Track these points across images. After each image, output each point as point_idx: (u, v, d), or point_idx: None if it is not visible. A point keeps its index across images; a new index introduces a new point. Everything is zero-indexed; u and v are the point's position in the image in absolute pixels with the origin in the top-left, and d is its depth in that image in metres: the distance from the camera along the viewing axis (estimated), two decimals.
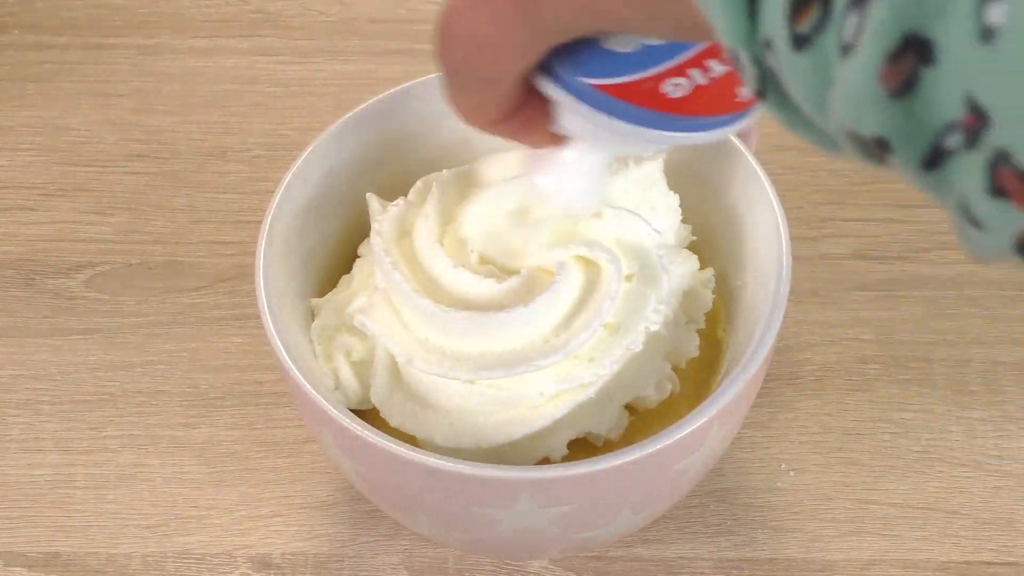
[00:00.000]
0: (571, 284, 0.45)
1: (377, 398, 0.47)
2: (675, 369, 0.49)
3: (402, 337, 0.45)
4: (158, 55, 0.70)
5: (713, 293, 0.50)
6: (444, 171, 0.49)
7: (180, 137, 0.67)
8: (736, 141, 0.50)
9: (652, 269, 0.47)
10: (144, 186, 0.65)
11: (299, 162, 0.49)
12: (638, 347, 0.46)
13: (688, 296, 0.49)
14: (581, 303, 0.45)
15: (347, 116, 0.51)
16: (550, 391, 0.45)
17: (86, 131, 0.67)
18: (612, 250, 0.46)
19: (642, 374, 0.47)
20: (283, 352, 0.45)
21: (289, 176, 0.49)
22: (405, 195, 0.50)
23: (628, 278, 0.46)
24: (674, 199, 0.50)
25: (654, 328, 0.46)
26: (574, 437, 0.46)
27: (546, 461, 0.46)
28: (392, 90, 0.52)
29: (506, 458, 0.46)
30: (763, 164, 0.49)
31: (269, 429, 0.57)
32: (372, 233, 0.47)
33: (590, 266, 0.46)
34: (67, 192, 0.65)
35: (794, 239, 0.49)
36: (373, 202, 0.49)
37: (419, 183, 0.48)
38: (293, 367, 0.45)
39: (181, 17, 0.71)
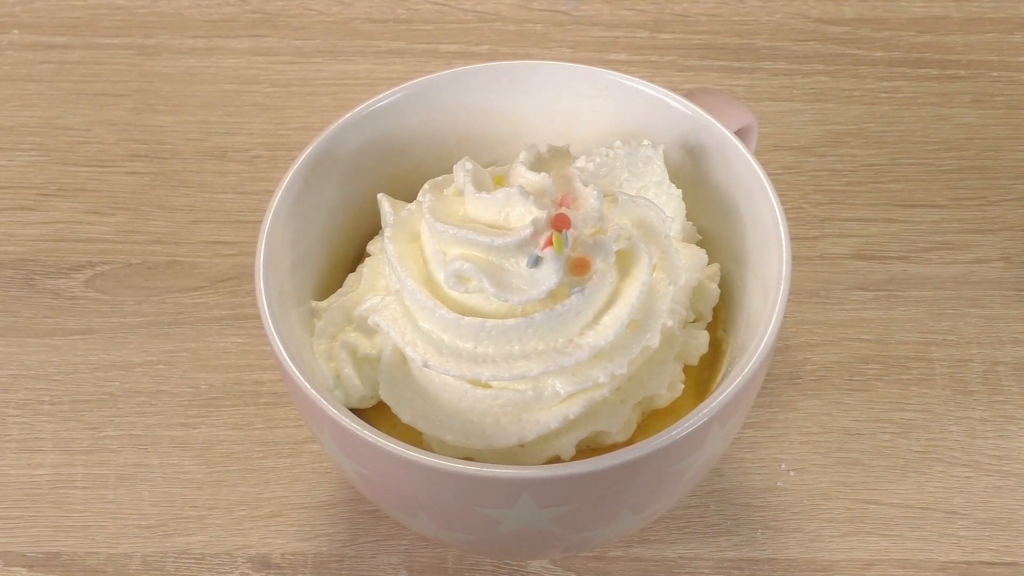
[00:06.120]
0: (608, 281, 0.45)
1: (386, 395, 0.47)
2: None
3: (417, 339, 0.45)
4: (158, 55, 0.70)
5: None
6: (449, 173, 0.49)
7: (180, 137, 0.67)
8: (736, 141, 0.50)
9: (671, 257, 0.47)
10: (144, 186, 0.65)
11: (299, 162, 0.49)
12: (655, 344, 0.46)
13: (696, 291, 0.49)
14: (612, 299, 0.45)
15: (347, 116, 0.51)
16: (565, 391, 0.45)
17: (86, 131, 0.67)
18: (641, 238, 0.46)
19: (656, 373, 0.47)
20: (283, 352, 0.45)
21: (289, 176, 0.49)
22: (405, 196, 0.50)
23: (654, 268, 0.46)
24: (676, 191, 0.50)
25: (671, 323, 0.46)
26: (584, 437, 0.46)
27: (555, 460, 0.46)
28: (392, 90, 0.52)
29: (516, 459, 0.46)
30: (763, 164, 0.49)
31: (269, 429, 0.57)
32: (384, 237, 0.47)
33: (622, 257, 0.46)
34: (67, 192, 0.65)
35: (794, 239, 0.49)
36: (384, 203, 0.49)
37: (427, 185, 0.48)
38: (293, 367, 0.45)
39: (180, 17, 0.71)
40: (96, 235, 0.63)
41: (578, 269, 0.45)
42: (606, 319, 0.45)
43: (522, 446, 0.46)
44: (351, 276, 0.50)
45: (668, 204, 0.49)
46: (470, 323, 0.44)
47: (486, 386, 0.45)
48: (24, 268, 0.62)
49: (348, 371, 0.47)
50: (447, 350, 0.45)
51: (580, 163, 0.48)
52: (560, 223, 0.45)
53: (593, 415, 0.46)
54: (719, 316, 0.51)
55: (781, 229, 0.47)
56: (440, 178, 0.49)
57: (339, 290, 0.50)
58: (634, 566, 0.54)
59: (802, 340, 0.60)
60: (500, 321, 0.44)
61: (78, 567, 0.54)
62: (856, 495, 0.56)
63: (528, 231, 0.44)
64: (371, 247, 0.51)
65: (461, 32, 0.71)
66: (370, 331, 0.48)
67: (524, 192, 0.45)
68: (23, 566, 0.54)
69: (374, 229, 0.52)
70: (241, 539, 0.55)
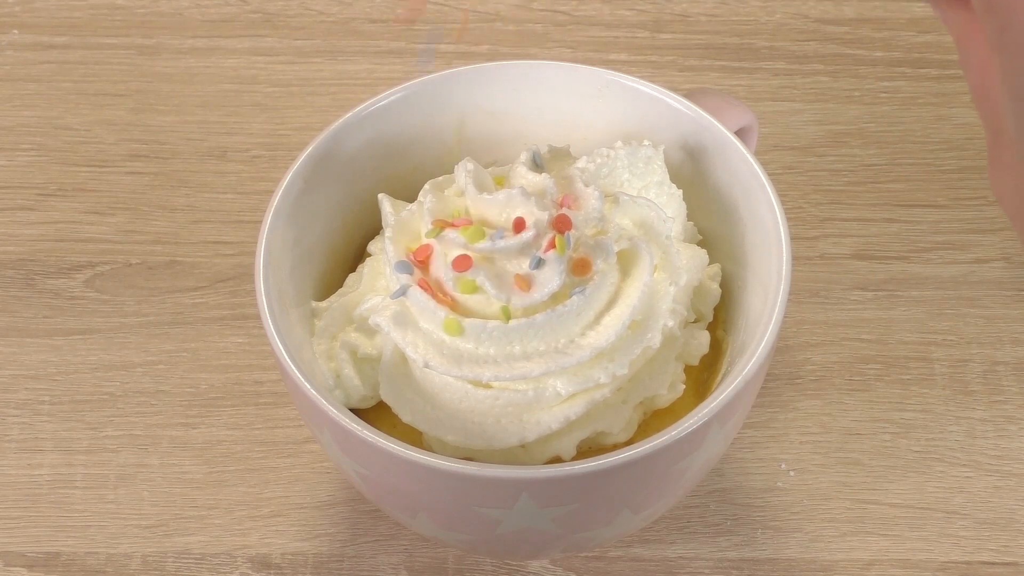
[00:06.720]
0: (609, 282, 0.45)
1: (387, 395, 0.47)
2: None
3: (417, 339, 0.45)
4: (158, 55, 0.70)
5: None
6: (450, 173, 0.49)
7: (180, 137, 0.67)
8: (736, 141, 0.50)
9: (672, 258, 0.47)
10: (144, 186, 0.65)
11: (299, 162, 0.49)
12: (656, 344, 0.46)
13: (697, 291, 0.49)
14: (613, 299, 0.45)
15: (347, 116, 0.51)
16: (566, 391, 0.45)
17: (86, 131, 0.67)
18: (642, 239, 0.46)
19: (657, 373, 0.47)
20: (283, 352, 0.45)
21: (289, 176, 0.49)
22: (405, 196, 0.50)
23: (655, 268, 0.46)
24: (677, 191, 0.50)
25: (672, 323, 0.46)
26: (585, 437, 0.46)
27: (555, 460, 0.46)
28: (392, 90, 0.52)
29: (516, 459, 0.46)
30: (763, 164, 0.49)
31: (269, 429, 0.57)
32: (384, 237, 0.47)
33: (623, 257, 0.46)
34: (67, 192, 0.65)
35: (794, 239, 0.49)
36: (385, 204, 0.49)
37: (428, 185, 0.48)
38: (293, 367, 0.45)
39: (180, 17, 0.71)
40: (96, 235, 0.63)
41: (579, 269, 0.45)
42: (607, 319, 0.45)
43: (523, 446, 0.46)
44: (351, 276, 0.50)
45: (669, 204, 0.49)
46: (471, 324, 0.44)
47: (487, 386, 0.45)
48: (24, 268, 0.62)
49: (348, 371, 0.47)
50: (448, 351, 0.45)
51: (581, 164, 0.48)
52: (562, 225, 0.45)
53: (594, 415, 0.46)
54: (719, 316, 0.51)
55: (781, 229, 0.47)
56: (441, 178, 0.49)
57: (339, 290, 0.50)
58: (634, 566, 0.54)
59: (802, 340, 0.60)
60: (501, 322, 0.44)
61: (78, 567, 0.54)
62: (856, 495, 0.56)
63: (531, 233, 0.44)
64: (372, 247, 0.51)
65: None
66: (370, 331, 0.48)
67: (525, 193, 0.45)
68: (23, 566, 0.54)
69: (374, 229, 0.52)
70: (241, 539, 0.55)
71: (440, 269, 0.45)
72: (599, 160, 0.48)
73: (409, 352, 0.45)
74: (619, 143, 0.49)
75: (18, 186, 0.65)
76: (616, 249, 0.45)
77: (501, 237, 0.45)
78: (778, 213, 0.48)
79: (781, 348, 0.59)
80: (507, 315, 0.44)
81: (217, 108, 0.68)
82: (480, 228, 0.45)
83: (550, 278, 0.44)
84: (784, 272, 0.46)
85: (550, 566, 0.54)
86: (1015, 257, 0.62)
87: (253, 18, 0.71)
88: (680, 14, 0.71)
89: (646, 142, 0.49)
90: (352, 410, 0.46)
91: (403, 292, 0.45)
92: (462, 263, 0.44)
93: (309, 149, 0.50)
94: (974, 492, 0.56)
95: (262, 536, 0.55)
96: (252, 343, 0.60)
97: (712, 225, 0.51)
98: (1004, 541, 0.54)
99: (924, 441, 0.57)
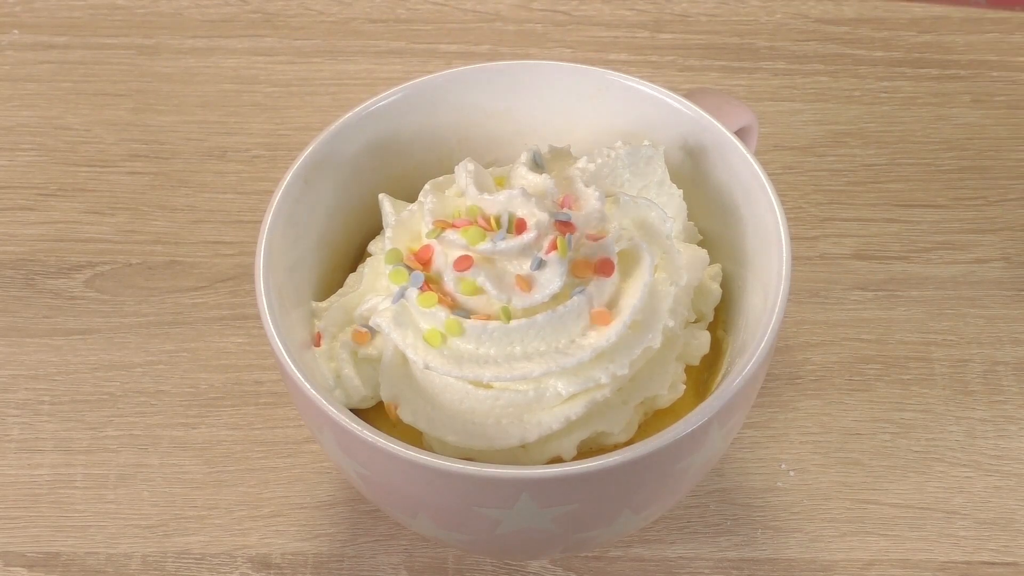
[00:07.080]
0: (610, 282, 0.45)
1: (388, 396, 0.47)
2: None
3: (418, 341, 0.45)
4: (158, 55, 0.70)
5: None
6: (451, 173, 0.49)
7: (180, 137, 0.67)
8: (736, 141, 0.50)
9: (672, 258, 0.47)
10: (144, 186, 0.65)
11: (299, 162, 0.49)
12: (657, 344, 0.46)
13: (698, 291, 0.49)
14: (614, 300, 0.45)
15: (347, 116, 0.51)
16: (567, 392, 0.45)
17: (86, 131, 0.67)
18: (643, 239, 0.46)
19: (658, 373, 0.47)
20: (283, 352, 0.45)
21: (289, 176, 0.49)
22: (406, 196, 0.50)
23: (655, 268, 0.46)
24: (677, 191, 0.50)
25: (672, 323, 0.46)
26: (586, 437, 0.46)
27: (556, 460, 0.46)
28: (392, 90, 0.52)
29: (517, 459, 0.46)
30: (763, 164, 0.49)
31: (269, 429, 0.57)
32: (385, 237, 0.47)
33: (624, 257, 0.46)
34: (67, 192, 0.65)
35: (794, 239, 0.49)
36: (385, 204, 0.49)
37: (428, 186, 0.48)
38: (293, 367, 0.45)
39: (180, 17, 0.71)
40: (96, 235, 0.63)
41: (580, 270, 0.45)
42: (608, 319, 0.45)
43: (523, 447, 0.46)
44: (352, 276, 0.50)
45: (669, 204, 0.49)
46: (472, 325, 0.44)
47: (487, 387, 0.45)
48: (24, 268, 0.62)
49: (348, 371, 0.47)
50: (449, 352, 0.45)
51: (581, 164, 0.48)
52: (563, 226, 0.45)
53: (595, 416, 0.46)
54: (719, 316, 0.51)
55: (781, 229, 0.47)
56: (441, 178, 0.49)
57: (340, 290, 0.50)
58: (634, 566, 0.54)
59: (802, 340, 0.60)
60: (502, 322, 0.44)
61: (78, 567, 0.54)
62: (856, 495, 0.56)
63: (532, 234, 0.44)
64: (372, 247, 0.51)
65: (461, 32, 0.71)
66: (371, 331, 0.48)
67: (526, 194, 0.45)
68: (23, 566, 0.54)
69: (374, 229, 0.52)
70: (241, 539, 0.55)
71: (441, 269, 0.45)
72: (599, 160, 0.48)
73: (409, 353, 0.45)
74: (619, 143, 0.49)
75: (18, 186, 0.65)
76: (617, 249, 0.45)
77: (502, 238, 0.45)
78: (778, 213, 0.48)
79: (781, 348, 0.59)
80: (508, 315, 0.44)
81: (217, 108, 0.68)
82: (480, 229, 0.45)
83: (551, 279, 0.44)
84: (784, 272, 0.46)
85: (550, 566, 0.54)
86: (1015, 257, 0.62)
87: (253, 18, 0.71)
88: (680, 14, 0.71)
89: (646, 142, 0.49)
90: (352, 410, 0.46)
91: (402, 294, 0.45)
92: (463, 263, 0.45)
93: (309, 149, 0.50)
94: (974, 492, 0.56)
95: (262, 536, 0.55)
96: (252, 343, 0.60)
97: (712, 225, 0.51)
98: (1004, 541, 0.54)
99: (924, 441, 0.57)
